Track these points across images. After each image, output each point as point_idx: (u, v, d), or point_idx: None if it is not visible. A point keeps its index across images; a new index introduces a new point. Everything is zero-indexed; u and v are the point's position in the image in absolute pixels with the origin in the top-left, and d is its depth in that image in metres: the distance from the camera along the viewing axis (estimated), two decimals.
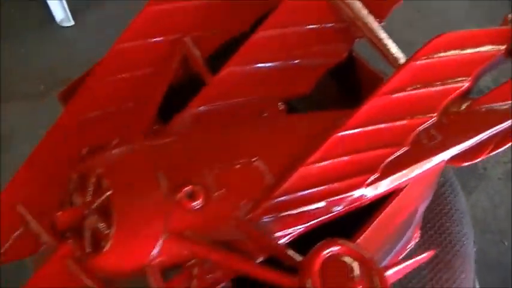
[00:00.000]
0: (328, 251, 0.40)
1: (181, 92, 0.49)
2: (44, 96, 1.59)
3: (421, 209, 0.58)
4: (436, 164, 0.47)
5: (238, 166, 0.43)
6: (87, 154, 0.48)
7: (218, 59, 0.50)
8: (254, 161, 0.44)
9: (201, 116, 0.47)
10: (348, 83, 0.55)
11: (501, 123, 0.48)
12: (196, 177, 0.43)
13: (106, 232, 0.41)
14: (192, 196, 0.42)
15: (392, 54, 0.48)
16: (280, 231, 0.43)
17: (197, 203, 0.42)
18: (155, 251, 0.42)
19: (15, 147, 1.52)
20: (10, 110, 1.58)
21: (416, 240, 0.65)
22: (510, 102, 0.51)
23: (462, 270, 0.65)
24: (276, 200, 0.43)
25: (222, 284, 0.43)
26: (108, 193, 0.42)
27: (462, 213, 0.69)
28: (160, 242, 0.42)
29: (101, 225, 0.42)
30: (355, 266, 0.40)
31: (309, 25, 0.49)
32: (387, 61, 0.49)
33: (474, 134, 0.47)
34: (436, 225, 0.66)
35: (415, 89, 0.45)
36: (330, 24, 0.49)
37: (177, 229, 0.42)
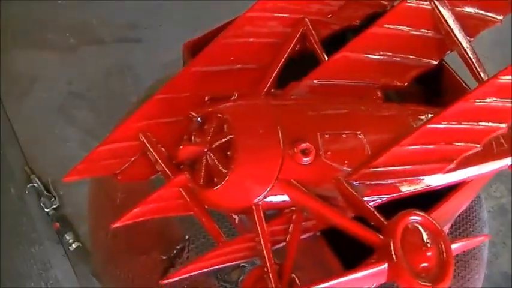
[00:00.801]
0: (411, 218, 0.47)
1: (297, 64, 0.57)
2: (72, 49, 1.64)
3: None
4: (499, 167, 0.55)
5: (345, 135, 0.51)
6: (209, 101, 0.55)
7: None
8: (358, 134, 0.51)
9: (314, 88, 0.55)
10: (435, 86, 0.63)
11: None
12: (310, 138, 0.49)
13: (223, 171, 0.48)
14: (305, 152, 0.49)
15: (477, 70, 0.57)
16: (369, 196, 0.50)
17: (308, 159, 0.49)
18: (263, 193, 0.49)
19: (34, 95, 1.57)
20: (36, 57, 1.62)
21: None
22: None
23: (477, 271, 0.74)
24: (370, 170, 0.50)
25: (313, 232, 0.50)
26: (231, 136, 0.49)
27: (483, 222, 0.77)
28: (270, 186, 0.49)
29: (219, 163, 0.49)
30: (430, 235, 0.48)
31: (413, 30, 0.57)
32: (472, 74, 0.57)
33: None
34: (461, 228, 0.75)
35: (493, 101, 0.53)
36: (430, 33, 0.57)
37: (286, 177, 0.49)
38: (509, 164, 0.55)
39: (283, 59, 0.56)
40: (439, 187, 0.53)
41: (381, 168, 0.50)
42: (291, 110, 0.52)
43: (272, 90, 0.55)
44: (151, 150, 0.53)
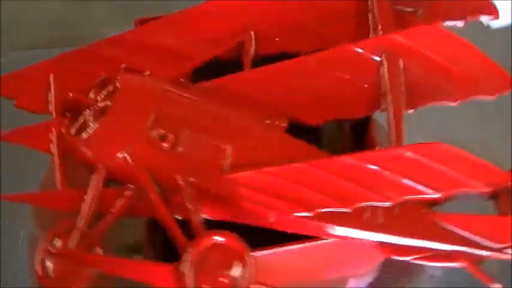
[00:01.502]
0: (215, 238, 0.46)
1: (221, 67, 0.57)
2: None
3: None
4: (363, 239, 0.50)
5: (206, 139, 0.50)
6: (123, 68, 0.57)
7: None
8: (224, 145, 0.50)
9: (219, 92, 0.55)
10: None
11: (449, 245, 0.51)
12: (176, 128, 0.50)
13: (91, 126, 0.50)
14: (162, 138, 0.49)
15: (394, 138, 0.53)
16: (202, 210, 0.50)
17: (163, 146, 0.49)
18: (112, 160, 0.50)
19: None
20: None
21: None
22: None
23: None
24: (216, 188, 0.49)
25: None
26: (110, 103, 0.51)
27: None
28: (120, 156, 0.49)
29: (92, 119, 0.51)
30: (236, 262, 0.46)
31: (350, 76, 0.55)
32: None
33: (415, 237, 0.50)
34: None
35: (389, 170, 0.50)
36: (367, 86, 0.55)
37: (138, 155, 0.49)
38: (374, 240, 0.51)
39: (206, 57, 0.57)
40: (286, 230, 0.50)
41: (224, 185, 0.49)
42: (176, 100, 0.52)
43: (180, 80, 0.56)
44: (51, 91, 0.55)
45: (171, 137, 0.49)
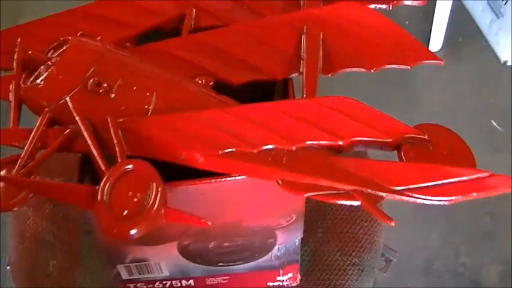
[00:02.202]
0: (127, 167, 0.54)
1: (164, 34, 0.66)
2: None
3: (283, 241, 0.67)
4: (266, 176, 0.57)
5: (136, 88, 0.59)
6: (80, 34, 0.66)
7: None
8: (150, 93, 0.58)
9: (158, 54, 0.63)
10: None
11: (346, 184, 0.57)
12: (111, 79, 0.58)
13: (42, 75, 0.59)
14: (98, 85, 0.58)
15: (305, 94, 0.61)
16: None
17: (97, 90, 0.58)
18: (55, 103, 0.58)
19: None
20: None
21: (296, 283, 0.75)
22: None
23: None
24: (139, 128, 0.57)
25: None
26: (59, 59, 0.59)
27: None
28: (67, 97, 0.58)
29: (43, 71, 0.60)
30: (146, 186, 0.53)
31: (273, 41, 0.63)
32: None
33: (314, 176, 0.57)
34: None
35: (295, 118, 0.57)
36: (288, 50, 0.63)
37: (77, 99, 0.58)
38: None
39: (150, 26, 0.66)
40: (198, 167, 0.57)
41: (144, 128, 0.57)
42: (114, 57, 0.61)
43: (125, 43, 0.64)
44: (17, 51, 0.65)
45: (105, 84, 0.58)
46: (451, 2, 1.71)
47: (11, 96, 0.62)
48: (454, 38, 1.86)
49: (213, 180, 0.57)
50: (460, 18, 1.89)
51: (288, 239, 0.68)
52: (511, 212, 1.46)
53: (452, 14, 1.77)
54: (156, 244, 0.65)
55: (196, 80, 0.62)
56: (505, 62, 1.82)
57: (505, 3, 1.76)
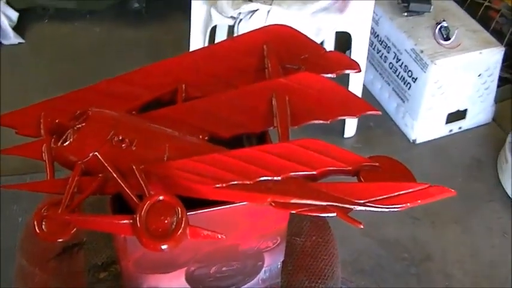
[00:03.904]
0: (156, 198, 0.68)
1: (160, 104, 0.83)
2: None
3: (269, 264, 0.83)
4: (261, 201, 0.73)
5: (152, 142, 0.75)
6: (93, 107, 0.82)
7: None
8: (164, 145, 0.74)
9: (160, 118, 0.80)
10: None
11: (323, 201, 0.74)
12: (130, 136, 0.74)
13: (71, 137, 0.74)
14: (121, 141, 0.73)
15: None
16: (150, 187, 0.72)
17: (121, 145, 0.73)
18: (86, 158, 0.72)
19: None
20: None
21: None
22: None
23: None
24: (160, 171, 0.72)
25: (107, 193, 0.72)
26: (84, 124, 0.75)
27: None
28: (91, 154, 0.72)
29: (71, 133, 0.75)
30: (172, 212, 0.68)
31: (249, 103, 0.81)
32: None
33: (298, 197, 0.73)
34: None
35: (278, 156, 0.74)
36: (262, 110, 0.81)
37: (105, 153, 0.73)
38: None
39: (150, 98, 0.83)
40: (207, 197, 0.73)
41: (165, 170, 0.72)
42: (129, 120, 0.77)
43: (133, 112, 0.81)
44: (42, 123, 0.79)
45: (127, 140, 0.73)
46: (361, 91, 1.95)
47: (45, 156, 0.76)
48: (365, 124, 2.10)
49: (221, 207, 0.73)
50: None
51: (272, 261, 0.83)
52: None
53: None
54: (168, 271, 0.79)
55: (194, 136, 0.79)
56: (414, 141, 2.09)
57: (409, 89, 2.03)
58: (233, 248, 0.80)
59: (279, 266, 0.85)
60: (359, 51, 1.91)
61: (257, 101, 0.82)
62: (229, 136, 0.80)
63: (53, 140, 0.77)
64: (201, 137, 0.79)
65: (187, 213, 0.69)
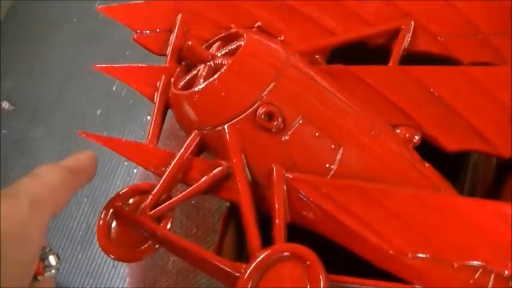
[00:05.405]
0: (291, 253, 0.39)
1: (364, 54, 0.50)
2: None
3: None
4: None
5: (319, 134, 0.43)
6: (257, 27, 0.51)
7: None
8: (337, 147, 0.43)
9: (351, 81, 0.47)
10: None
11: None
12: (289, 112, 0.43)
13: (202, 83, 0.45)
14: (269, 117, 0.43)
15: None
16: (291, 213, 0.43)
17: (267, 126, 0.43)
18: (210, 128, 0.44)
19: None
20: None
21: None
22: None
23: None
24: (317, 189, 0.42)
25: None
26: (230, 62, 0.44)
27: None
28: (219, 127, 0.44)
29: (203, 76, 0.45)
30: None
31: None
32: None
33: None
34: None
35: None
36: None
37: (238, 130, 0.43)
38: None
39: (355, 38, 0.49)
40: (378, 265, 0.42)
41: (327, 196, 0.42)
42: (298, 77, 0.45)
43: (316, 56, 0.49)
44: (175, 32, 0.50)
45: (279, 119, 0.43)
46: None
47: (156, 98, 0.48)
48: None
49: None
50: None
51: None
52: None
53: None
54: None
55: (397, 131, 0.46)
56: None
57: None
58: None
59: None
60: None
61: None
62: (455, 150, 0.46)
63: (177, 71, 0.49)
64: (407, 135, 0.47)
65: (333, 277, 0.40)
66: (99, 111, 1.39)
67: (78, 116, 1.39)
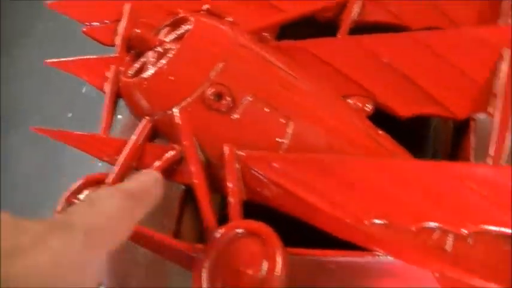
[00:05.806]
0: (247, 229, 0.39)
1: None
2: None
3: None
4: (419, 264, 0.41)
5: (268, 110, 0.43)
6: (205, 10, 0.50)
7: None
8: (287, 121, 0.43)
9: (302, 56, 0.47)
10: None
11: None
12: (239, 90, 0.43)
13: (151, 68, 0.44)
14: (219, 98, 0.43)
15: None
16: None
17: (217, 106, 0.42)
18: (160, 113, 0.44)
19: None
20: None
21: None
22: None
23: None
24: (270, 164, 0.42)
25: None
26: (178, 47, 0.44)
27: None
28: (169, 111, 0.43)
29: (152, 62, 0.45)
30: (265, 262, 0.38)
31: (458, 62, 0.45)
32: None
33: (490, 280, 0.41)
34: None
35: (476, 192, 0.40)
36: (475, 79, 0.45)
37: (188, 113, 0.43)
38: None
39: (303, 12, 0.49)
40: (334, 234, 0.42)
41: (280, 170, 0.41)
42: (247, 57, 0.45)
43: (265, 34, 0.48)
44: (123, 22, 0.50)
45: (228, 99, 0.43)
46: None
47: (107, 88, 0.48)
48: None
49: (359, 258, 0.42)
50: None
51: None
52: None
53: None
54: None
55: (349, 101, 0.46)
56: None
57: None
58: None
59: None
60: None
61: (473, 63, 0.45)
62: (407, 115, 0.46)
63: (127, 60, 0.49)
64: (359, 105, 0.47)
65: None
66: (70, 114, 1.38)
67: (51, 120, 1.38)
